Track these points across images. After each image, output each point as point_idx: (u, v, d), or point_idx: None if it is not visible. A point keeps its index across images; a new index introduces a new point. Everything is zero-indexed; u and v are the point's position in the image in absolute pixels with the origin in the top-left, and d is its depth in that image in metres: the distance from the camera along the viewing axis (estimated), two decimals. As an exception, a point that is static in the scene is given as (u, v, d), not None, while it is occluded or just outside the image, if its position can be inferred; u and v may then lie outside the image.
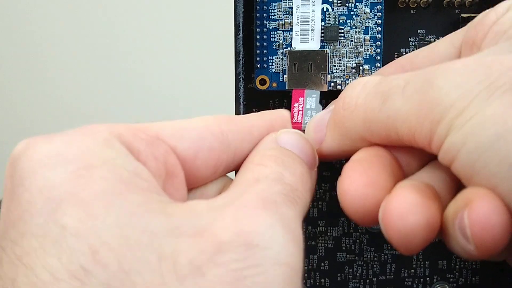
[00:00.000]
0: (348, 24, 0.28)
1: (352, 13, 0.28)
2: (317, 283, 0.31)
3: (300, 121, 0.25)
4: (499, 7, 0.19)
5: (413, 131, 0.17)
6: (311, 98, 0.26)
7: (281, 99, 0.29)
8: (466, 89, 0.16)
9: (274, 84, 0.28)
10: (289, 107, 0.27)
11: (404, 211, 0.16)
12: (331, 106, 0.21)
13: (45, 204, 0.14)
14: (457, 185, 0.18)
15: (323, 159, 0.21)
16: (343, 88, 0.28)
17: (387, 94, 0.18)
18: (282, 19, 0.28)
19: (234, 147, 0.19)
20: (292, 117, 0.25)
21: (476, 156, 0.16)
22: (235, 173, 0.20)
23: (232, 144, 0.19)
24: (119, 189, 0.15)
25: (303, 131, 0.22)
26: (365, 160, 0.18)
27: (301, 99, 0.26)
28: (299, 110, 0.26)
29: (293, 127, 0.21)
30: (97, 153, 0.16)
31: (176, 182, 0.18)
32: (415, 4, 0.27)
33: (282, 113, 0.21)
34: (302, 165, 0.19)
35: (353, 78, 0.28)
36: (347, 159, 0.20)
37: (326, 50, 0.28)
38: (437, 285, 0.30)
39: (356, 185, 0.18)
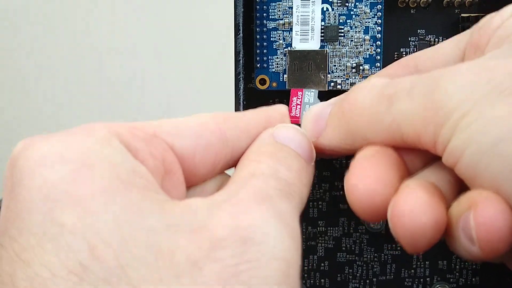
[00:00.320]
0: (348, 23, 0.28)
1: (352, 12, 0.28)
2: (317, 283, 0.31)
3: (298, 116, 0.25)
4: (504, 11, 0.20)
5: (418, 133, 0.17)
6: (309, 93, 0.26)
7: (281, 98, 0.29)
8: (470, 92, 0.16)
9: (274, 84, 0.28)
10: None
11: (414, 211, 0.16)
12: (332, 100, 0.21)
13: (44, 202, 0.15)
14: (460, 186, 0.18)
15: (318, 152, 0.21)
16: (343, 87, 0.28)
17: (393, 96, 0.18)
18: (282, 19, 0.28)
19: (232, 144, 0.19)
20: (290, 111, 0.25)
21: (479, 158, 0.16)
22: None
23: (230, 141, 0.19)
24: (117, 188, 0.15)
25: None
26: (372, 157, 0.18)
27: (299, 93, 0.26)
28: (297, 104, 0.26)
29: (292, 122, 0.21)
30: (95, 151, 0.16)
31: (174, 179, 0.18)
32: (415, 4, 0.27)
33: (280, 108, 0.21)
34: (298, 159, 0.19)
35: (353, 77, 0.28)
36: (346, 157, 0.20)
37: (326, 50, 0.28)
38: (437, 286, 0.30)
39: (364, 181, 0.18)
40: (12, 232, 0.15)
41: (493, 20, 0.20)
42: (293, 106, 0.26)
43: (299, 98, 0.26)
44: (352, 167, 0.18)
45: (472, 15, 0.27)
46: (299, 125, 0.22)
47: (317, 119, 0.21)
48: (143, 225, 0.14)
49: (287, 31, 0.28)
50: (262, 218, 0.15)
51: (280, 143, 0.19)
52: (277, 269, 0.15)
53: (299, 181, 0.18)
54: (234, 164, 0.20)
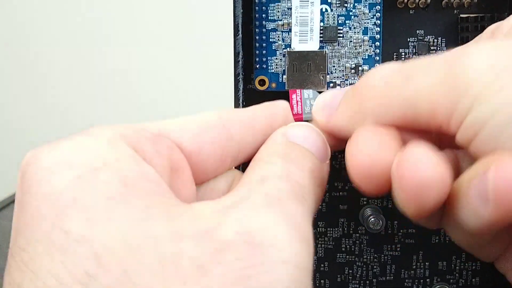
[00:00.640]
0: (347, 24, 0.28)
1: (351, 13, 0.28)
2: (317, 284, 0.31)
3: (300, 112, 0.25)
4: None
5: (434, 107, 0.17)
6: (308, 90, 0.26)
7: (280, 99, 0.29)
8: (494, 62, 0.16)
9: (274, 85, 0.28)
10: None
11: (420, 162, 0.16)
12: (347, 87, 0.21)
13: (50, 210, 0.15)
14: (459, 172, 0.18)
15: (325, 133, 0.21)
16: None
17: (412, 71, 0.18)
18: (281, 20, 0.28)
19: (237, 139, 0.19)
20: (292, 109, 0.25)
21: (505, 127, 0.15)
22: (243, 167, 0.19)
23: (235, 135, 0.19)
24: (123, 194, 0.15)
25: (306, 121, 0.21)
26: (374, 128, 0.18)
27: (297, 91, 0.26)
28: (297, 101, 0.26)
29: (295, 119, 0.21)
30: (101, 156, 0.16)
31: (183, 177, 0.18)
32: (414, 5, 0.27)
33: (282, 103, 0.21)
34: (311, 159, 0.19)
35: (352, 78, 0.28)
36: (345, 158, 0.19)
37: (325, 51, 0.28)
38: (437, 286, 0.30)
39: (365, 148, 0.17)
40: (21, 242, 0.15)
41: (510, 18, 0.19)
42: (294, 104, 0.26)
43: (298, 95, 0.26)
44: (355, 135, 0.18)
45: (471, 15, 0.27)
46: (306, 121, 0.22)
47: (330, 101, 0.21)
48: (148, 233, 0.14)
49: (286, 32, 0.28)
50: (271, 222, 0.15)
51: (293, 143, 0.19)
52: (286, 274, 0.14)
53: (312, 182, 0.18)
54: (242, 159, 0.20)
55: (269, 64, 0.28)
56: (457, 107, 0.16)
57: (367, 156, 0.17)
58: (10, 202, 0.55)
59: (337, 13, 0.28)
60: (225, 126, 0.19)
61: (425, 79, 0.17)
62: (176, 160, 0.18)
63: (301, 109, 0.25)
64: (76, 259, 0.14)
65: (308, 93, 0.26)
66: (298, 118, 0.25)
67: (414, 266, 0.30)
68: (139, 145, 0.17)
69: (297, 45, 0.28)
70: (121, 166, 0.16)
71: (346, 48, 0.28)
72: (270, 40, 0.28)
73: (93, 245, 0.14)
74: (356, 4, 0.27)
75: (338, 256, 0.31)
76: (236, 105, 0.27)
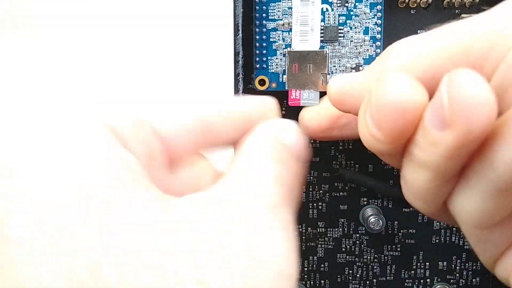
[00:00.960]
0: (348, 24, 0.28)
1: (351, 13, 0.27)
2: (317, 284, 0.31)
3: (298, 97, 0.25)
4: None
5: (469, 44, 0.16)
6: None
7: (280, 99, 0.29)
8: None
9: (274, 85, 0.28)
10: (288, 108, 0.27)
11: (475, 79, 0.15)
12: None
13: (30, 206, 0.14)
14: None
15: (332, 100, 0.21)
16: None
17: (448, 24, 0.18)
18: (281, 19, 0.28)
19: (214, 129, 0.19)
20: (290, 94, 0.25)
21: None
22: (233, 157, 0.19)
23: (212, 125, 0.19)
24: (104, 185, 0.14)
25: (302, 107, 0.21)
26: (399, 73, 0.17)
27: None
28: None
29: (291, 104, 0.21)
30: (81, 145, 0.15)
31: (158, 165, 0.17)
32: (415, 4, 0.27)
33: (265, 99, 0.21)
34: (299, 162, 0.19)
35: (353, 78, 0.28)
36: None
37: (326, 51, 0.28)
38: (438, 286, 0.30)
39: (403, 82, 0.16)
40: None
41: None
42: (293, 90, 0.26)
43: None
44: (383, 78, 0.17)
45: (472, 15, 0.27)
46: (299, 107, 0.21)
47: (348, 78, 0.21)
48: (139, 232, 0.14)
49: (286, 31, 0.28)
50: (269, 232, 0.15)
51: (285, 146, 0.19)
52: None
53: (298, 186, 0.18)
54: (218, 148, 0.19)
55: (269, 64, 0.28)
56: (497, 40, 0.16)
57: (403, 91, 0.16)
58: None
59: (338, 12, 0.27)
60: (202, 116, 0.19)
61: (462, 23, 0.17)
62: (153, 147, 0.17)
63: (300, 94, 0.25)
64: (65, 262, 0.13)
65: (308, 92, 0.26)
66: (295, 103, 0.25)
67: (414, 266, 0.30)
68: (119, 131, 0.16)
69: (298, 45, 0.28)
70: (102, 157, 0.15)
71: (347, 48, 0.28)
72: (271, 39, 0.28)
73: (79, 245, 0.13)
74: (357, 4, 0.27)
75: (338, 257, 0.30)
76: (236, 105, 0.27)
